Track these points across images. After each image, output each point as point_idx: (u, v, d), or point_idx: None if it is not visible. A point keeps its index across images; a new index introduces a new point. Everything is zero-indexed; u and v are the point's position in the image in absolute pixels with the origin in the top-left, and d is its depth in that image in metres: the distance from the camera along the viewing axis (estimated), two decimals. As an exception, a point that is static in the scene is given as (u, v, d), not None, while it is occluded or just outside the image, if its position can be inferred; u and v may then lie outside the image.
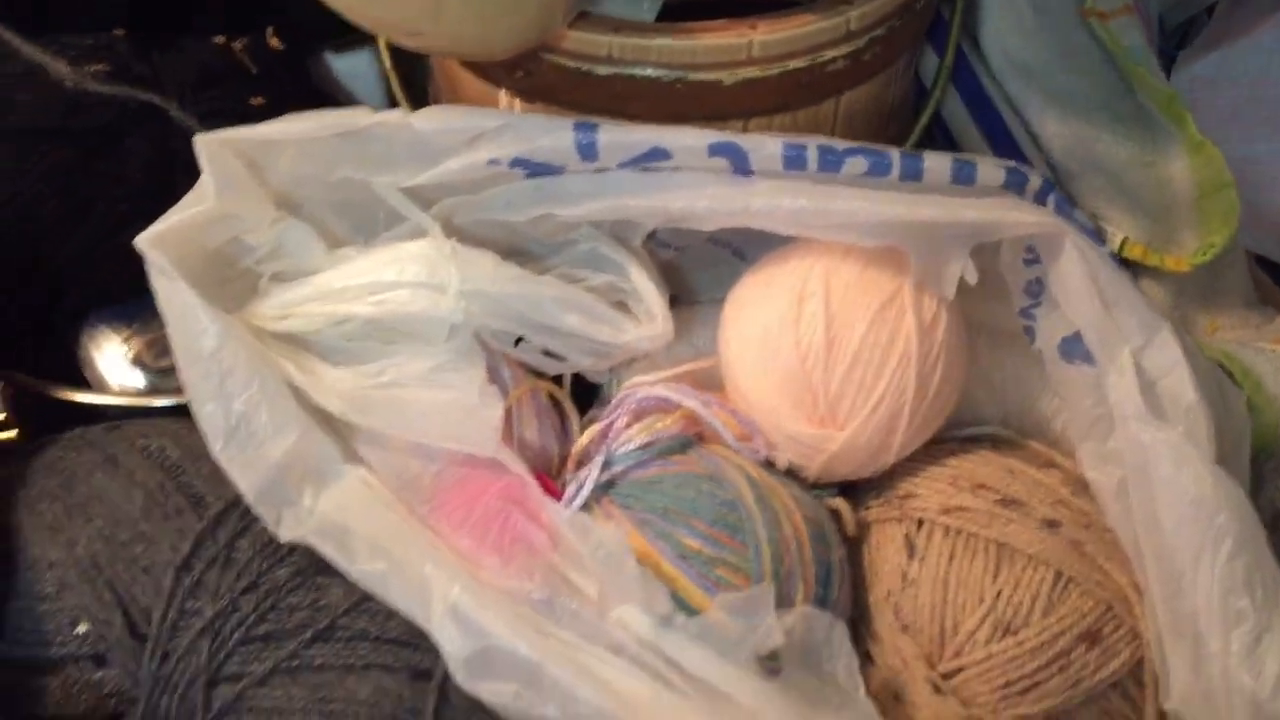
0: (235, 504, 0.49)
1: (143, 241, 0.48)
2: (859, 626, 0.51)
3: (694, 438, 0.52)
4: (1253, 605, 0.43)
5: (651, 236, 0.57)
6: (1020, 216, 0.49)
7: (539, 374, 0.56)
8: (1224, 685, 0.44)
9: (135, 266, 0.53)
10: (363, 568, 0.46)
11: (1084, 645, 0.47)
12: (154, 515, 0.49)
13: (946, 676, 0.48)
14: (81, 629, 0.47)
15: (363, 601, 0.48)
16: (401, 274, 0.51)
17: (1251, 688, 0.43)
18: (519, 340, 0.54)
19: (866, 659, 0.50)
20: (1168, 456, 0.45)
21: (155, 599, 0.47)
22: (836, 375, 0.50)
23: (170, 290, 0.49)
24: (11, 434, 0.61)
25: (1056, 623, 0.47)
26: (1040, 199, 0.50)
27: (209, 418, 0.48)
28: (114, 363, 0.59)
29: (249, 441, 0.48)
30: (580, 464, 0.53)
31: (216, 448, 0.48)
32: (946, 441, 0.54)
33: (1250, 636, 0.43)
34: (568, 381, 0.57)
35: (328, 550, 0.47)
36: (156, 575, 0.48)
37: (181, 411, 0.55)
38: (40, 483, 0.50)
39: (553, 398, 0.57)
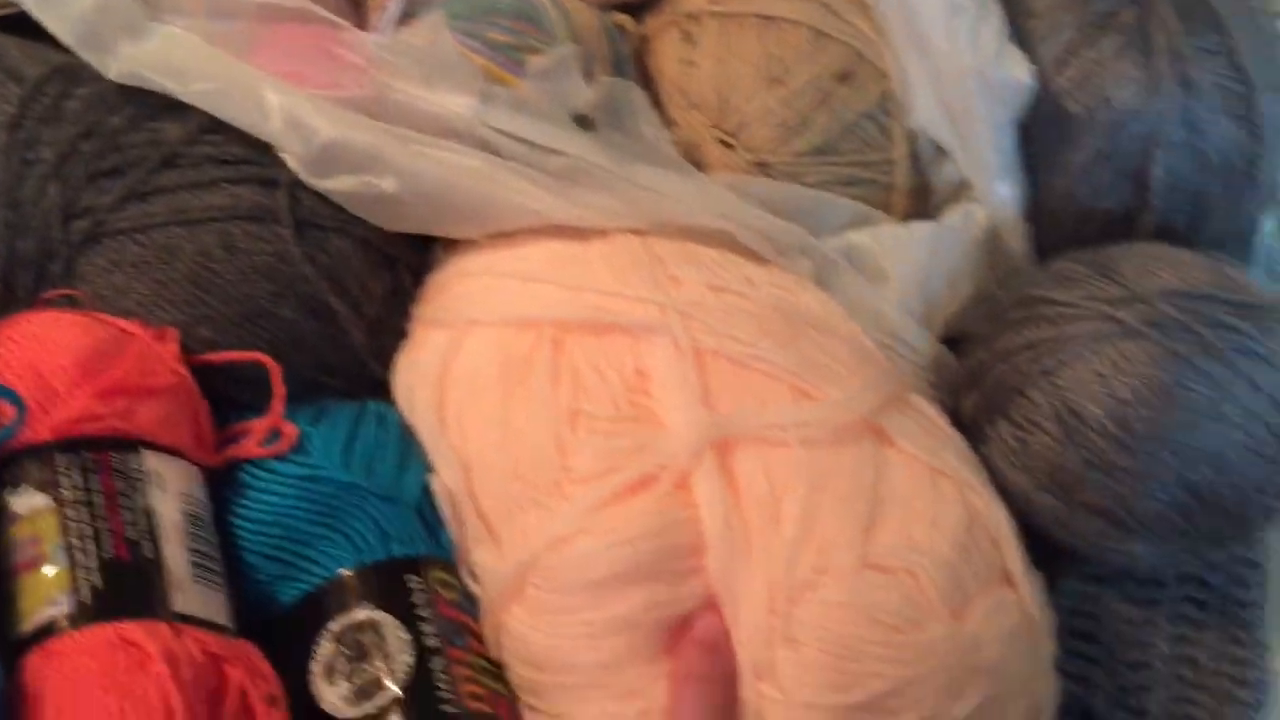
0: (54, 73, 0.51)
1: None
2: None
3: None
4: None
5: None
6: None
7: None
8: (955, 78, 0.53)
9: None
10: (197, 88, 0.50)
11: (840, 84, 0.56)
12: (-28, 85, 0.50)
13: (732, 133, 0.56)
14: (-77, 190, 0.48)
15: (201, 134, 0.50)
16: None
17: (975, 62, 0.52)
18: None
19: (665, 142, 0.57)
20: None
21: (-7, 155, 0.49)
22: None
23: None
24: None
25: (817, 68, 0.55)
26: None
27: (10, -25, 0.49)
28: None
29: (55, -1, 0.50)
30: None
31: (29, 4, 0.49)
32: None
33: (970, 24, 0.52)
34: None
35: (159, 80, 0.50)
36: (-10, 134, 0.49)
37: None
38: None
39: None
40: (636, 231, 0.51)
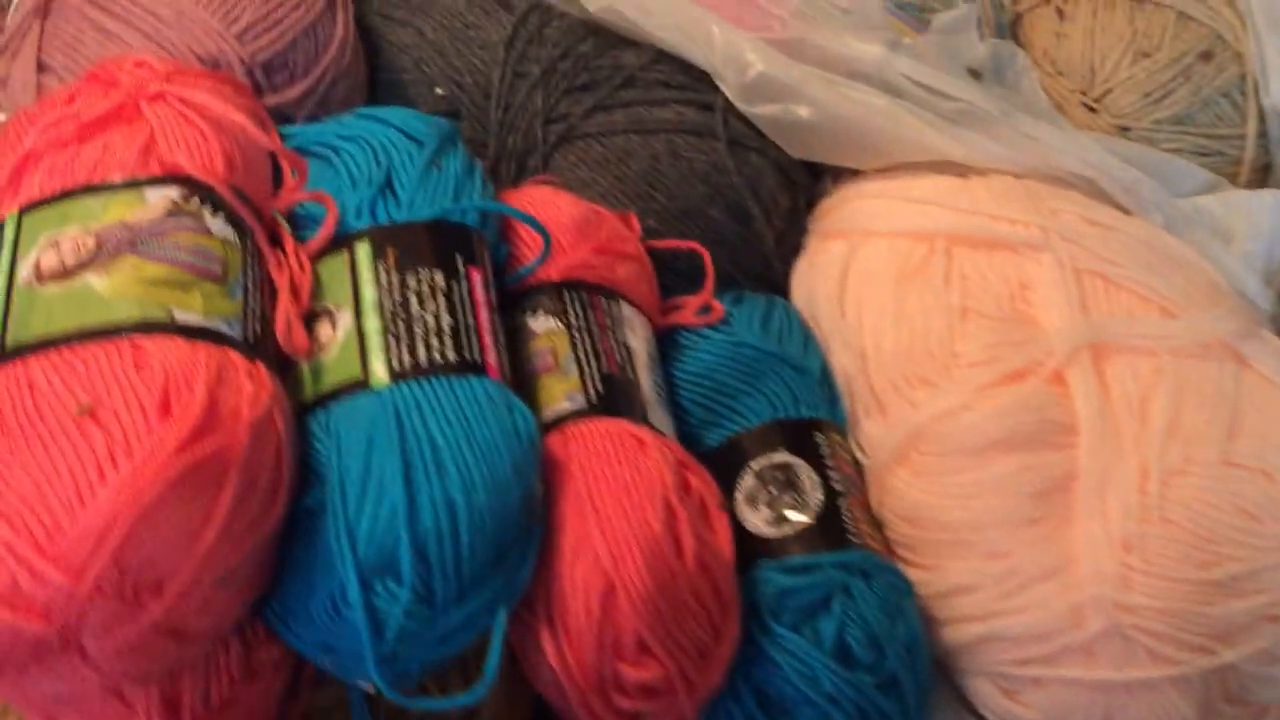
0: (534, 6, 0.62)
1: None
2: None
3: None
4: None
5: None
6: None
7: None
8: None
9: None
10: (659, 21, 0.60)
11: (1202, 62, 0.62)
12: (476, 11, 0.62)
13: (1097, 99, 0.63)
14: (439, 90, 0.60)
15: (654, 62, 0.61)
16: None
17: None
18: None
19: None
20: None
21: (492, 65, 0.60)
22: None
23: None
24: None
25: (1182, 46, 0.62)
26: None
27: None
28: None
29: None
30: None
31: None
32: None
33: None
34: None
35: (629, 13, 0.60)
36: (490, 49, 0.60)
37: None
38: (376, -5, 0.63)
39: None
40: (1012, 173, 0.59)
